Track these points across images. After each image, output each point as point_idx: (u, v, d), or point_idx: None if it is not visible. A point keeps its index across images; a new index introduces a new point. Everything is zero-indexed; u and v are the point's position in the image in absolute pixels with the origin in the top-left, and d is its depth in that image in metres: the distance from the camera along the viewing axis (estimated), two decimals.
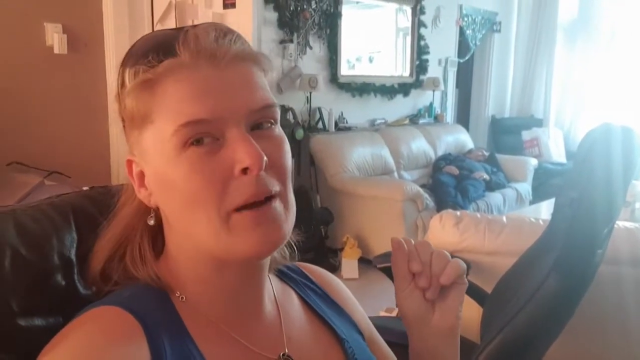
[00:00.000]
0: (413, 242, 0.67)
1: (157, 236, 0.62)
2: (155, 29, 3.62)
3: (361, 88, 4.74)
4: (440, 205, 3.97)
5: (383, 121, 4.95)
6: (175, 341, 0.55)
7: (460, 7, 5.74)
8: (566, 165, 6.02)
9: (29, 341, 0.55)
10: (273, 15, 3.91)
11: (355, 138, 4.33)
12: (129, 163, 0.60)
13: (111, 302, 0.56)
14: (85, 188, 0.73)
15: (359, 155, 4.19)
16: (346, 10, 4.52)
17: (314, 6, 4.19)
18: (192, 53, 0.54)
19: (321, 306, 0.71)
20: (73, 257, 0.62)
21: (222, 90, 0.53)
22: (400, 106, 5.20)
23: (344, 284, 0.78)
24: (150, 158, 0.56)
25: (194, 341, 0.56)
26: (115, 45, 3.48)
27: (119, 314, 0.54)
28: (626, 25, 6.16)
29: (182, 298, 0.59)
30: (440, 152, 5.04)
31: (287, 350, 0.62)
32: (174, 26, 3.40)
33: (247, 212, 0.53)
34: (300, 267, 0.75)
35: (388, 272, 1.99)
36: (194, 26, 0.56)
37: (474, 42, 5.98)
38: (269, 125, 0.56)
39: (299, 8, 4.07)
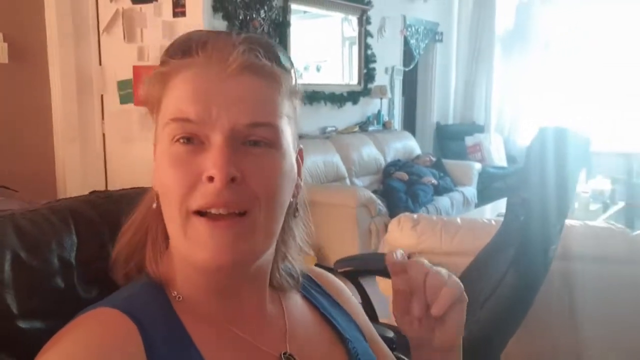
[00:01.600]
0: (407, 257, 0.62)
1: None
2: (101, 38, 3.53)
3: (311, 96, 4.78)
4: (392, 211, 4.05)
5: (334, 129, 5.01)
6: (173, 342, 0.55)
7: (404, 17, 5.90)
8: (507, 169, 6.28)
9: (29, 343, 0.55)
10: (222, 24, 3.89)
11: (307, 146, 4.36)
12: (154, 147, 0.61)
13: (108, 303, 0.56)
14: (86, 193, 0.74)
15: (311, 162, 4.22)
16: (294, 20, 4.56)
17: (263, 15, 4.21)
18: (206, 56, 0.56)
19: (325, 306, 0.71)
20: (73, 260, 0.63)
21: (219, 97, 0.54)
22: (350, 114, 5.29)
23: (347, 289, 0.78)
24: (156, 143, 0.59)
25: (193, 341, 0.56)
26: (59, 55, 3.38)
27: (115, 315, 0.54)
28: (558, 35, 6.54)
29: (178, 297, 0.59)
30: (389, 159, 5.15)
31: (289, 349, 0.62)
32: (120, 35, 3.35)
33: (204, 218, 0.54)
34: (307, 271, 0.74)
35: (348, 275, 2.02)
36: (228, 32, 0.59)
37: (417, 51, 6.16)
38: (263, 143, 0.56)
39: (248, 17, 4.07)
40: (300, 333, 0.65)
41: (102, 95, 3.60)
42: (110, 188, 3.53)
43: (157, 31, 3.21)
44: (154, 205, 0.60)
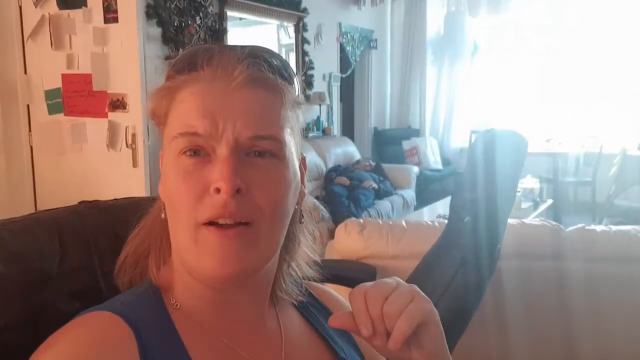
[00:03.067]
0: (370, 284, 0.58)
1: None
2: (25, 46, 3.34)
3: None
4: (335, 216, 4.08)
5: None
6: (167, 350, 0.55)
7: (340, 24, 5.98)
8: (443, 172, 6.49)
9: (6, 357, 0.55)
10: (157, 31, 3.79)
11: None
12: (161, 157, 0.62)
13: (104, 308, 0.56)
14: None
15: None
16: (231, 27, 4.51)
17: (198, 22, 4.13)
18: (211, 69, 0.58)
19: (322, 323, 0.70)
20: (54, 272, 0.62)
21: (225, 110, 0.56)
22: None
23: (348, 304, 0.76)
24: (165, 155, 0.60)
25: (187, 350, 0.57)
26: None
27: (111, 319, 0.55)
28: (485, 40, 6.83)
29: (176, 305, 0.60)
30: (330, 164, 5.19)
31: None
32: (47, 41, 3.18)
33: (213, 228, 0.55)
34: (305, 285, 0.74)
35: None
36: (232, 46, 0.59)
37: (354, 58, 6.25)
38: (269, 156, 0.57)
39: (183, 24, 3.98)
40: (295, 352, 0.65)
41: (28, 106, 3.40)
42: (39, 204, 3.33)
43: (88, 38, 3.07)
44: (162, 215, 0.61)
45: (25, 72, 3.36)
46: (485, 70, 6.84)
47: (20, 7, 3.30)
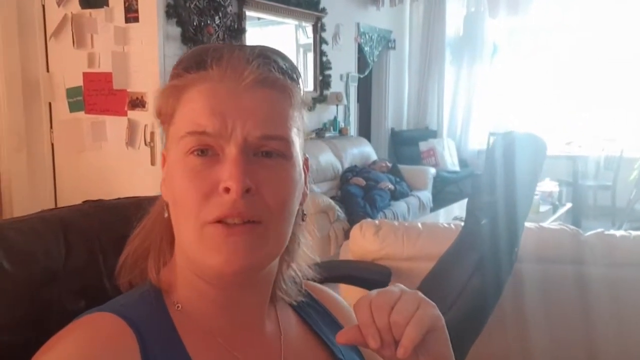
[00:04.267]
0: (374, 293, 0.58)
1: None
2: (48, 44, 3.39)
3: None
4: (350, 216, 4.07)
5: None
6: (168, 350, 0.55)
7: (358, 24, 5.97)
8: (460, 173, 6.44)
9: (11, 357, 0.55)
10: (176, 31, 3.82)
11: None
12: (163, 156, 0.63)
13: (106, 309, 0.56)
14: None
15: None
16: (249, 27, 4.53)
17: (217, 21, 4.16)
18: (221, 70, 0.57)
19: (320, 326, 0.70)
20: (60, 271, 0.62)
21: (234, 110, 0.56)
22: (306, 120, 5.28)
23: (348, 305, 0.77)
24: (169, 154, 0.60)
25: (187, 351, 0.56)
26: (3, 61, 3.22)
27: (112, 320, 0.55)
28: (505, 40, 6.76)
29: (177, 306, 0.60)
30: (346, 165, 5.18)
31: None
32: (69, 40, 3.23)
33: (220, 225, 0.55)
34: (305, 286, 0.74)
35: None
36: (240, 45, 0.60)
37: (371, 58, 6.24)
38: (276, 156, 0.57)
39: (202, 23, 4.01)
40: (294, 354, 0.65)
41: (50, 103, 3.46)
42: (59, 200, 3.38)
43: (109, 37, 3.11)
44: (165, 215, 0.61)
45: (48, 70, 3.42)
46: (505, 71, 6.77)
47: (43, 6, 3.36)
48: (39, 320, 0.59)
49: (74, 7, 3.25)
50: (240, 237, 0.54)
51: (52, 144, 3.49)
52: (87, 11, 3.23)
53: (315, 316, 0.72)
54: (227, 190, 0.53)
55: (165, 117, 0.60)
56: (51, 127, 3.48)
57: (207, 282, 0.59)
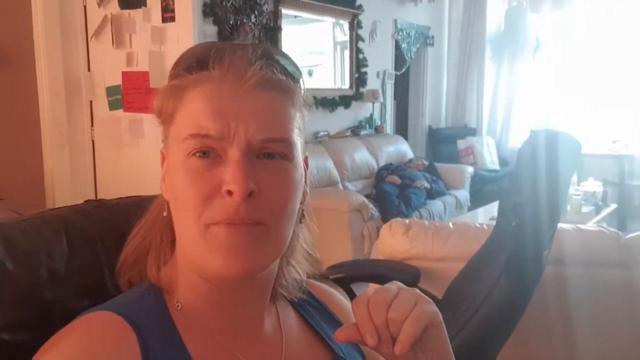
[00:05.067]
0: (371, 292, 0.59)
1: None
2: (89, 44, 3.50)
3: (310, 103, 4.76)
4: (384, 215, 4.03)
5: (326, 133, 4.99)
6: (169, 350, 0.55)
7: (395, 21, 5.90)
8: (500, 172, 6.29)
9: (14, 356, 0.55)
10: (213, 29, 3.87)
11: None
12: (162, 154, 0.63)
13: (106, 308, 0.56)
14: (80, 202, 0.73)
15: None
16: (285, 25, 4.55)
17: (253, 20, 4.19)
18: (222, 70, 0.57)
19: (321, 324, 0.70)
20: (62, 271, 0.62)
21: (237, 112, 0.55)
22: (342, 118, 5.27)
23: (348, 303, 0.77)
24: (169, 154, 0.60)
25: (188, 350, 0.57)
26: (47, 61, 3.34)
27: (113, 319, 0.55)
28: (549, 36, 6.56)
29: (178, 306, 0.60)
30: (382, 163, 5.14)
31: None
32: (109, 40, 3.32)
33: (223, 226, 0.55)
34: (305, 284, 0.74)
35: (340, 282, 2.00)
36: (243, 44, 0.58)
37: (409, 55, 6.16)
38: (278, 157, 0.57)
39: (238, 22, 4.05)
40: (293, 352, 0.65)
41: (91, 102, 3.57)
42: (100, 195, 3.50)
43: (146, 37, 3.19)
44: (165, 214, 0.61)
45: (89, 70, 3.53)
46: (548, 67, 6.56)
47: (84, 7, 3.46)
48: (41, 319, 0.59)
49: (114, 7, 3.34)
50: (243, 238, 0.54)
51: (93, 141, 3.60)
52: (126, 12, 3.31)
53: (316, 314, 0.72)
54: (229, 193, 0.53)
55: (165, 116, 0.60)
56: (92, 125, 3.59)
57: (208, 282, 0.59)
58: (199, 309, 0.60)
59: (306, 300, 0.72)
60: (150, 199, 0.67)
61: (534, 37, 6.62)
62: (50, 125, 3.40)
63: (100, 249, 0.66)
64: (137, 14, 3.26)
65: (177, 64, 0.60)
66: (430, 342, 0.58)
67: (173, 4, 3.14)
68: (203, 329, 0.59)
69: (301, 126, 0.61)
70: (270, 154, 0.56)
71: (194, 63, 0.58)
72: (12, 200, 2.80)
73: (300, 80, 0.62)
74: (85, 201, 0.71)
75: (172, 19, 3.17)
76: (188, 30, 3.15)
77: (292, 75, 0.60)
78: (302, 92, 0.62)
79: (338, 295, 0.77)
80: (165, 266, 0.62)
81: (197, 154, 0.55)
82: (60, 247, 0.63)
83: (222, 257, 0.55)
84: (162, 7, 3.17)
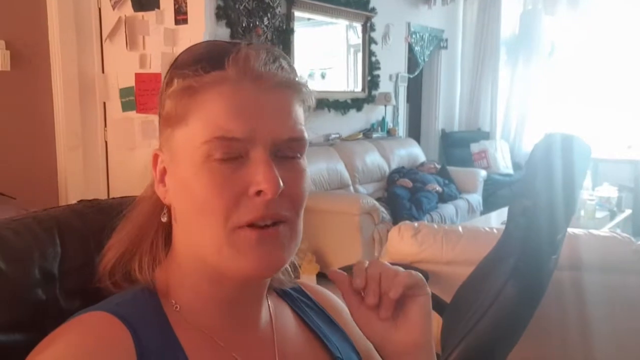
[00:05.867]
0: (367, 262, 0.65)
1: (169, 236, 0.63)
2: (103, 46, 3.54)
3: (315, 103, 4.76)
4: (395, 218, 4.02)
5: (337, 136, 4.99)
6: (165, 351, 0.55)
7: (409, 24, 5.89)
8: (513, 176, 6.23)
9: (7, 357, 0.55)
10: (225, 32, 3.89)
11: (311, 153, 4.30)
12: (155, 157, 0.61)
13: (101, 308, 0.56)
14: (75, 202, 0.73)
15: (314, 170, 4.20)
16: (298, 27, 4.56)
17: (266, 22, 4.21)
18: (239, 71, 0.56)
19: (317, 323, 0.70)
20: (56, 271, 0.62)
21: (259, 113, 0.55)
22: (354, 121, 5.27)
23: (343, 303, 0.77)
24: (177, 157, 0.57)
25: (184, 350, 0.56)
26: (61, 62, 3.38)
27: (107, 320, 0.54)
28: (564, 40, 6.49)
29: (176, 307, 0.60)
30: (394, 166, 5.12)
31: None
32: (123, 42, 3.35)
33: (252, 229, 0.55)
34: (299, 284, 0.74)
35: None
36: (248, 44, 0.58)
37: (422, 58, 6.14)
38: (295, 155, 0.58)
39: (251, 24, 4.07)
40: (290, 351, 0.65)
41: (104, 103, 3.60)
42: (112, 196, 3.54)
43: (159, 39, 3.21)
44: (164, 219, 0.61)
45: (103, 71, 3.56)
46: (563, 71, 6.49)
47: (99, 9, 3.50)
48: (34, 320, 0.59)
49: (128, 9, 3.37)
50: (272, 239, 0.55)
51: (106, 142, 3.63)
52: (140, 14, 3.34)
53: (312, 314, 0.72)
54: (259, 193, 0.54)
55: (174, 120, 0.57)
56: (105, 126, 3.63)
57: (213, 283, 0.59)
58: (198, 309, 0.60)
59: (302, 301, 0.73)
60: None
61: (549, 40, 6.56)
62: (64, 125, 3.44)
63: (93, 249, 0.66)
64: (150, 16, 3.29)
65: (182, 64, 0.58)
66: (413, 311, 0.63)
67: (186, 7, 3.17)
68: (199, 328, 0.59)
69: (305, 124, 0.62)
70: (285, 153, 0.57)
71: (207, 63, 0.56)
72: (25, 199, 2.83)
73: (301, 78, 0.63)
74: (79, 201, 0.71)
75: (185, 21, 3.19)
76: (200, 32, 3.17)
77: (296, 72, 0.61)
78: (305, 89, 0.61)
79: (332, 296, 0.77)
80: (159, 268, 0.62)
81: (219, 157, 0.54)
82: (54, 247, 0.63)
83: (252, 260, 0.55)
84: (175, 10, 3.20)
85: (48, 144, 3.40)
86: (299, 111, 0.59)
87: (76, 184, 3.51)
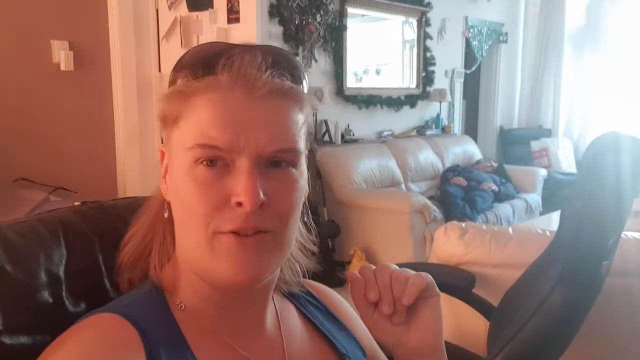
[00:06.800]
0: (373, 267, 0.64)
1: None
2: (160, 45, 3.65)
3: (367, 100, 4.73)
4: (448, 217, 3.93)
5: (390, 133, 4.93)
6: (173, 350, 0.55)
7: (466, 18, 5.73)
8: (576, 175, 5.95)
9: (14, 359, 0.55)
10: (278, 29, 3.92)
11: (362, 150, 4.31)
12: (162, 153, 0.63)
13: (110, 309, 0.56)
14: (76, 203, 0.73)
15: (365, 167, 4.17)
16: (352, 24, 4.54)
17: (319, 19, 4.21)
18: (231, 76, 0.55)
19: (322, 321, 0.71)
20: (61, 273, 0.62)
21: (246, 122, 0.54)
22: (407, 118, 5.19)
23: (346, 302, 0.78)
24: (173, 158, 0.58)
25: (192, 351, 0.57)
26: (121, 61, 3.52)
27: (117, 321, 0.54)
28: (636, 32, 6.11)
29: (181, 306, 0.60)
30: (448, 164, 5.01)
31: None
32: (178, 41, 3.44)
33: (232, 235, 0.54)
34: (304, 284, 0.74)
35: None
36: (249, 47, 0.57)
37: (480, 53, 5.97)
38: (285, 165, 0.57)
39: (304, 22, 4.08)
40: (297, 350, 0.65)
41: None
42: None
43: (212, 38, 3.28)
44: (166, 215, 0.61)
45: (160, 70, 3.68)
46: (633, 65, 6.13)
47: (157, 10, 3.61)
48: (40, 322, 0.59)
49: (183, 9, 3.46)
50: (252, 247, 0.54)
51: (162, 139, 3.75)
52: (194, 14, 3.42)
53: (317, 313, 0.72)
54: (239, 204, 0.53)
55: (169, 121, 0.58)
56: None
57: (210, 285, 0.59)
58: (201, 310, 0.60)
59: (307, 300, 0.73)
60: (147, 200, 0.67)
61: (619, 32, 6.20)
62: (123, 123, 3.58)
63: (98, 250, 0.66)
64: (204, 15, 3.36)
65: (180, 66, 0.58)
66: (425, 314, 0.63)
67: (238, 6, 3.22)
68: (206, 328, 0.59)
69: (306, 127, 0.60)
70: (277, 162, 0.56)
71: (200, 67, 0.56)
72: (86, 193, 2.97)
73: (304, 81, 0.61)
74: (82, 202, 0.71)
75: (237, 20, 3.24)
76: (252, 30, 3.21)
77: (298, 78, 0.59)
78: (306, 91, 0.60)
79: (335, 294, 0.77)
80: (168, 264, 0.62)
81: (205, 163, 0.54)
82: (59, 249, 0.63)
83: (230, 266, 0.54)
84: (227, 9, 3.26)
85: (108, 141, 3.55)
86: (295, 119, 0.57)
87: (134, 179, 3.65)
